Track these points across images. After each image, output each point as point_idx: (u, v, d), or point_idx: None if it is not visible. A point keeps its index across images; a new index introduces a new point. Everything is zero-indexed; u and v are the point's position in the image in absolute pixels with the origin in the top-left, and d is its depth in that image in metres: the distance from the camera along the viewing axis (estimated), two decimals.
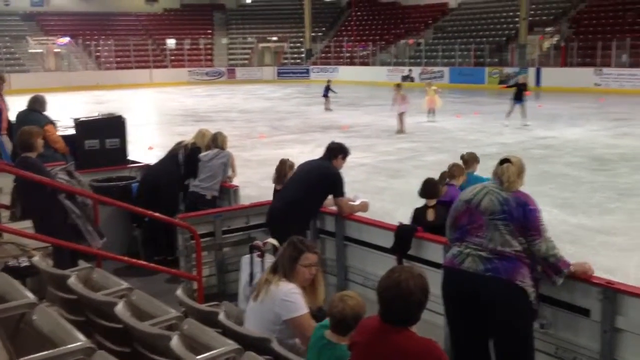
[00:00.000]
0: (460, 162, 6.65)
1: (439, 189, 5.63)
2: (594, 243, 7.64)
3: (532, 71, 33.03)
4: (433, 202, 5.45)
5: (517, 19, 36.12)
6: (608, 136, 16.19)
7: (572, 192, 10.33)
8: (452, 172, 6.36)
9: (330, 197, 5.45)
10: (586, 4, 37.85)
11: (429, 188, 5.52)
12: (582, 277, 3.71)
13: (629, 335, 3.56)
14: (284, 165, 6.58)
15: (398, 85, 19.13)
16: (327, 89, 24.66)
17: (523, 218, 3.70)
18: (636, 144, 14.87)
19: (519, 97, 18.64)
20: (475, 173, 6.58)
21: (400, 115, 17.99)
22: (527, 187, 7.91)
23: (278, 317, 3.49)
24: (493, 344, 3.80)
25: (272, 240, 4.76)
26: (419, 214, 5.45)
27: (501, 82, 33.08)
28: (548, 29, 36.83)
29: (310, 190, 5.36)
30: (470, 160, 6.76)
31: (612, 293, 3.58)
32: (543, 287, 3.78)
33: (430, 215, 5.37)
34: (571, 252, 6.82)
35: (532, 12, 37.01)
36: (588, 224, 8.44)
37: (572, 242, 7.45)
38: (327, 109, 24.16)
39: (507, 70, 34.43)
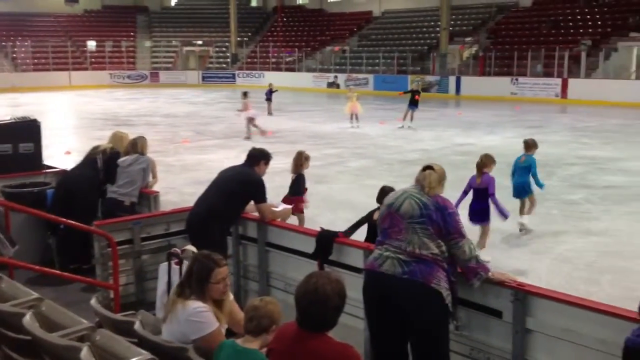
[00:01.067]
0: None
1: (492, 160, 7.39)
2: (507, 246, 7.91)
3: (452, 80, 34.07)
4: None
5: (438, 29, 37.12)
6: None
7: None
8: (484, 162, 7.59)
9: (252, 203, 5.42)
10: (503, 15, 39.37)
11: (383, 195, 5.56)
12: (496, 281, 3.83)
13: (538, 335, 3.70)
14: (300, 156, 7.92)
15: (245, 94, 19.46)
16: (270, 92, 24.76)
17: (442, 221, 3.81)
18: (549, 150, 15.48)
19: (412, 103, 20.30)
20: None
21: (250, 121, 18.27)
22: (447, 192, 8.08)
23: (186, 337, 3.41)
24: (410, 347, 3.88)
25: (191, 247, 4.69)
26: (369, 213, 5.79)
27: (423, 90, 33.90)
28: (468, 39, 38.05)
29: (230, 197, 5.32)
30: (488, 161, 7.62)
31: (522, 295, 3.71)
32: (458, 289, 3.88)
33: (377, 215, 5.47)
34: (487, 255, 7.06)
35: (453, 22, 38.15)
36: (504, 228, 8.72)
37: (488, 246, 7.67)
38: (270, 113, 24.23)
39: (429, 78, 35.32)
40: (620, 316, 3.30)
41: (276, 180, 11.45)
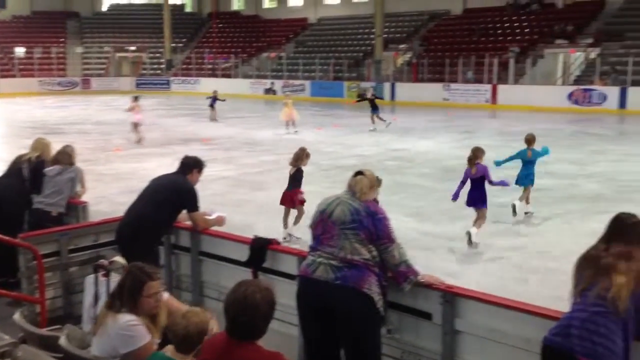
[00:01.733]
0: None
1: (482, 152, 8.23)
2: (441, 249, 8.07)
3: (387, 86, 34.55)
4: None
5: (373, 36, 37.61)
6: (455, 148, 17.19)
7: (423, 201, 10.87)
8: (475, 155, 8.36)
9: (184, 211, 5.35)
10: (435, 23, 40.26)
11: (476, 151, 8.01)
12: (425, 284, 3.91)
13: (466, 336, 3.79)
14: (302, 152, 8.45)
15: (136, 98, 19.48)
16: (214, 99, 24.69)
17: (373, 227, 3.86)
18: None
19: (374, 107, 21.23)
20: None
21: (135, 126, 18.41)
22: (382, 196, 8.16)
23: (117, 351, 3.33)
24: (344, 352, 3.90)
25: (119, 259, 4.58)
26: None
27: (359, 97, 34.32)
28: (401, 46, 38.71)
29: (161, 206, 5.22)
30: (479, 153, 8.44)
31: (451, 297, 3.79)
32: (389, 293, 3.93)
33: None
34: (419, 259, 7.18)
35: (387, 30, 38.73)
36: (436, 231, 8.91)
37: (421, 249, 7.82)
38: (214, 119, 24.16)
39: (364, 84, 35.69)
40: (544, 315, 3.42)
41: (212, 188, 11.38)
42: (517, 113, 27.13)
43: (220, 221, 5.49)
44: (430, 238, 8.58)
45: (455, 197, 8.42)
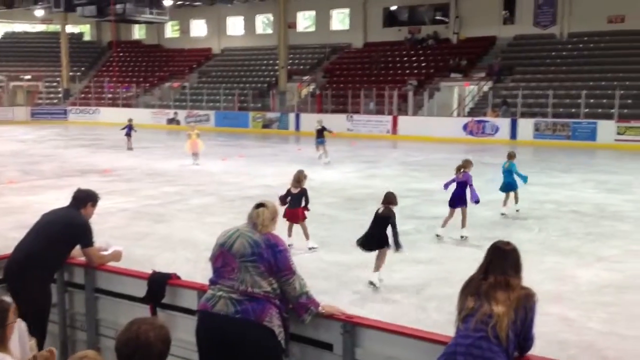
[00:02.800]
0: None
1: (394, 198, 8.35)
2: (345, 278, 8.16)
3: (292, 116, 34.89)
4: (387, 205, 8.20)
5: (277, 67, 37.98)
6: (359, 177, 17.57)
7: (329, 230, 10.98)
8: (464, 165, 10.64)
9: (78, 247, 5.13)
10: (337, 56, 41.21)
11: (388, 196, 8.38)
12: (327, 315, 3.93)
13: None
14: (300, 174, 9.70)
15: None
16: (130, 128, 24.35)
17: (273, 259, 3.85)
18: (382, 184, 16.27)
19: (320, 137, 21.27)
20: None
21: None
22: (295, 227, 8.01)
23: None
24: None
25: (7, 299, 4.32)
26: (376, 211, 8.24)
27: (264, 127, 34.56)
28: (305, 78, 39.31)
29: (52, 242, 4.99)
30: (467, 164, 10.73)
31: (351, 327, 3.83)
32: (290, 325, 3.92)
33: (381, 210, 8.23)
34: (323, 288, 7.24)
35: (291, 61, 39.26)
36: (342, 259, 9.01)
37: (327, 278, 7.88)
38: (129, 148, 23.81)
39: (270, 115, 35.94)
40: (439, 342, 3.51)
41: (111, 221, 11.02)
42: (416, 143, 28.04)
43: (116, 256, 5.31)
44: (336, 267, 8.67)
45: (446, 187, 10.98)
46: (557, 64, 32.48)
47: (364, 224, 11.19)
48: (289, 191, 9.67)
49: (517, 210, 12.37)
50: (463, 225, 10.39)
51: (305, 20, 44.48)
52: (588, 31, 33.25)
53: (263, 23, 46.34)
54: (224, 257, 3.92)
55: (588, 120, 27.11)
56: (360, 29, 41.08)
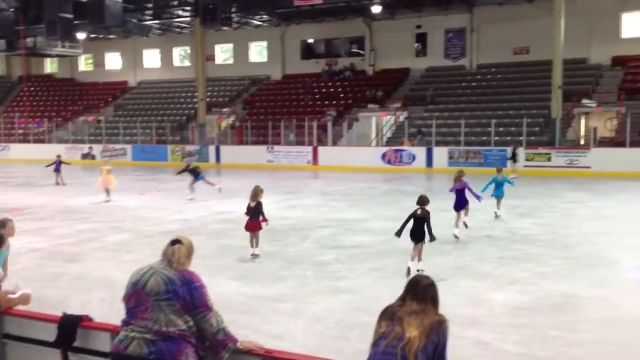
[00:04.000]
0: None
1: (428, 199, 10.07)
2: (266, 311, 8.10)
3: (212, 149, 34.67)
4: (422, 207, 9.90)
5: (196, 100, 37.75)
6: (280, 208, 17.56)
7: (248, 263, 10.89)
8: (459, 175, 13.25)
9: None
10: (256, 88, 41.43)
11: (423, 198, 10.08)
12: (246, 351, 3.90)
13: None
14: (257, 188, 11.41)
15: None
16: (59, 163, 23.95)
17: (189, 296, 3.80)
18: (303, 214, 16.40)
19: (195, 176, 19.68)
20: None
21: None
22: (208, 261, 7.96)
23: None
24: None
25: None
26: (414, 212, 9.89)
27: (183, 159, 34.08)
28: (225, 110, 39.22)
29: None
30: (462, 174, 13.39)
31: None
32: None
33: (419, 212, 9.87)
34: (245, 322, 7.17)
35: (210, 93, 39.18)
36: (261, 293, 8.95)
37: (246, 312, 7.80)
38: (60, 184, 23.35)
39: (189, 147, 35.57)
40: None
41: (21, 262, 10.54)
42: (337, 173, 28.40)
43: (25, 299, 5.08)
44: (256, 300, 8.59)
45: (451, 191, 13.49)
46: (467, 94, 33.85)
47: (286, 256, 11.28)
48: (249, 205, 11.33)
49: (498, 216, 15.42)
50: (457, 225, 12.92)
51: (223, 53, 44.55)
52: (495, 62, 34.92)
53: (180, 56, 46.07)
54: (137, 296, 3.84)
55: (499, 147, 28.28)
56: (279, 61, 41.52)
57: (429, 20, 36.44)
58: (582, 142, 30.29)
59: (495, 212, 15.35)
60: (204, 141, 35.98)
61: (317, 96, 37.81)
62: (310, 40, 41.84)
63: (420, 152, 29.65)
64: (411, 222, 9.87)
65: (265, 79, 41.86)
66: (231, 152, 34.32)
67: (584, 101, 30.33)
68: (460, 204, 13.08)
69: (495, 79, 34.45)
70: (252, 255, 11.17)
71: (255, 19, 38.36)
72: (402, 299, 3.62)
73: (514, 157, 26.70)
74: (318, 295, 8.83)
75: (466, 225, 13.21)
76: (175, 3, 36.32)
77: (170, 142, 37.07)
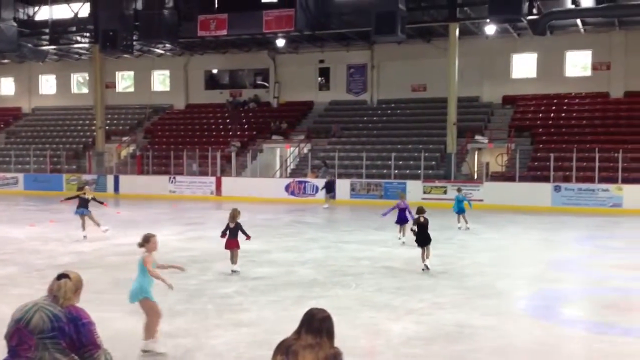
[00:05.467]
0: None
1: (423, 208, 13.30)
2: (163, 348, 7.87)
3: (110, 178, 33.61)
4: (422, 215, 12.99)
5: (94, 128, 36.60)
6: (181, 240, 17.24)
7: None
8: (402, 196, 17.47)
9: None
10: (159, 116, 40.73)
11: (422, 208, 13.27)
12: None
13: None
14: (235, 211, 12.62)
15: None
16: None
17: (75, 333, 3.65)
18: (205, 246, 16.16)
19: (84, 206, 17.96)
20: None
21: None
22: (103, 295, 7.69)
23: None
24: None
25: None
26: (417, 218, 13.00)
27: (80, 189, 32.89)
28: (125, 138, 38.23)
29: None
30: (404, 196, 17.78)
31: None
32: None
33: (422, 219, 12.90)
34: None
35: (109, 121, 38.16)
36: (160, 328, 8.68)
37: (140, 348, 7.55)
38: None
39: (86, 177, 34.32)
40: None
41: None
42: (240, 204, 28.06)
43: None
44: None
45: (384, 215, 17.10)
46: (369, 128, 34.75)
47: (186, 289, 11.03)
48: (227, 226, 12.54)
49: (467, 228, 19.06)
50: (404, 234, 16.32)
51: (124, 80, 43.57)
52: (395, 98, 36.15)
53: (78, 82, 44.66)
54: (20, 334, 3.64)
55: (398, 180, 29.12)
56: (182, 90, 41.10)
57: (331, 55, 37.31)
58: (475, 176, 31.72)
59: (460, 227, 19.12)
60: (102, 170, 34.85)
61: (220, 126, 37.62)
62: (215, 71, 41.75)
63: (323, 183, 30.00)
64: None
65: (168, 108, 41.27)
66: (131, 182, 33.39)
67: (477, 137, 31.85)
68: (402, 220, 16.47)
69: (394, 114, 35.60)
70: (232, 271, 12.42)
71: (158, 48, 37.85)
72: (298, 332, 3.64)
73: (328, 188, 27.71)
74: (218, 329, 8.70)
75: (404, 235, 16.36)
76: (74, 29, 35.34)
77: (66, 171, 35.65)
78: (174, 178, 32.76)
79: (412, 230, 13.52)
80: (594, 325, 9.17)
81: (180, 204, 28.65)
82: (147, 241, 8.03)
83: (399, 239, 16.56)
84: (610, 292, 11.16)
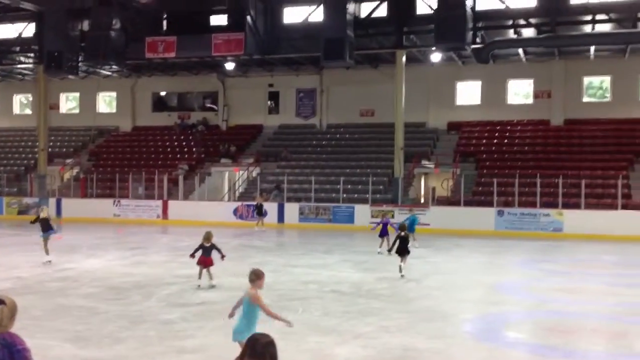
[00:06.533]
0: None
1: (405, 226, 16.12)
2: None
3: (52, 202, 32.70)
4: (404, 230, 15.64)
5: (36, 149, 35.68)
6: (124, 265, 16.85)
7: (86, 324, 10.25)
8: (384, 215, 22.97)
9: None
10: (104, 139, 40.01)
11: (404, 225, 16.04)
12: None
13: None
14: (209, 233, 13.52)
15: None
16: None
17: None
18: (149, 271, 15.84)
19: (45, 229, 16.95)
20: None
21: None
22: (41, 322, 7.44)
23: None
24: None
25: None
26: (399, 234, 15.36)
27: (20, 213, 32.00)
28: (68, 161, 37.38)
29: None
30: (387, 215, 23.43)
31: None
32: None
33: (403, 234, 15.30)
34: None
35: (52, 143, 37.34)
36: (99, 356, 8.45)
37: None
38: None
39: (27, 200, 33.40)
40: None
41: None
42: (187, 228, 27.81)
43: None
44: None
45: (374, 228, 20.60)
46: (318, 152, 34.92)
47: (127, 315, 10.76)
48: (202, 245, 13.45)
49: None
50: (380, 245, 19.50)
51: (69, 102, 42.74)
52: (344, 123, 36.48)
53: (22, 103, 43.56)
54: None
55: (346, 204, 29.27)
56: (129, 112, 40.56)
57: (281, 79, 37.48)
58: (422, 200, 32.14)
59: (415, 246, 19.89)
60: (44, 193, 33.91)
61: (168, 149, 37.17)
62: (163, 93, 41.37)
63: (271, 207, 29.92)
64: (398, 241, 15.33)
65: (114, 130, 40.60)
66: (74, 205, 32.56)
67: (424, 162, 32.36)
68: (383, 233, 19.75)
69: (343, 138, 35.89)
70: (198, 286, 13.38)
71: (104, 69, 37.29)
72: (241, 357, 3.59)
73: (259, 210, 28.01)
74: (161, 356, 8.49)
75: (389, 252, 17.09)
76: (17, 49, 34.57)
77: (6, 194, 34.56)
78: (119, 201, 32.12)
79: (388, 251, 17.01)
80: (536, 347, 9.33)
81: (126, 228, 28.07)
82: (258, 277, 7.26)
83: (378, 252, 19.28)
84: (552, 315, 11.41)
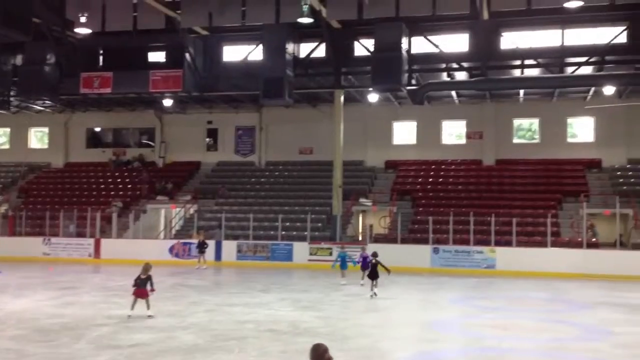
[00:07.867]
0: None
1: (377, 253, 18.95)
2: None
3: None
4: (375, 257, 18.63)
5: None
6: (54, 306, 16.23)
7: None
8: (364, 249, 21.68)
9: None
10: (35, 175, 38.83)
11: (375, 253, 19.00)
12: None
13: None
14: (147, 265, 14.31)
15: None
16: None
17: None
18: (79, 312, 15.30)
19: None
20: None
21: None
22: None
23: None
24: None
25: None
26: (370, 260, 18.87)
27: None
28: None
29: None
30: (376, 255, 19.19)
31: None
32: None
33: (373, 260, 18.67)
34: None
35: None
36: None
37: None
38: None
39: None
40: None
41: None
42: (120, 267, 27.05)
43: None
44: None
45: (357, 262, 21.21)
46: (256, 189, 34.81)
47: (57, 357, 10.35)
48: (139, 276, 14.17)
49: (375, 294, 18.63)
50: (363, 277, 20.31)
51: None
52: (283, 160, 36.62)
53: None
54: None
55: (285, 242, 29.15)
56: (61, 148, 39.61)
57: (220, 116, 37.42)
58: (360, 237, 32.36)
59: (344, 283, 21.31)
60: None
61: (102, 186, 36.31)
62: (97, 129, 40.61)
63: (209, 245, 29.48)
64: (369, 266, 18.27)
65: (45, 167, 39.46)
66: (1, 244, 31.22)
67: (362, 200, 32.69)
68: (365, 266, 20.11)
69: (282, 175, 35.96)
70: (128, 316, 14.00)
71: (37, 104, 36.35)
72: None
73: (201, 248, 27.99)
74: None
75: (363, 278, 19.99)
76: None
77: None
78: (49, 239, 31.03)
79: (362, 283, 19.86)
80: None
81: (56, 266, 27.09)
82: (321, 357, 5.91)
83: (361, 284, 20.40)
84: (487, 352, 11.59)
